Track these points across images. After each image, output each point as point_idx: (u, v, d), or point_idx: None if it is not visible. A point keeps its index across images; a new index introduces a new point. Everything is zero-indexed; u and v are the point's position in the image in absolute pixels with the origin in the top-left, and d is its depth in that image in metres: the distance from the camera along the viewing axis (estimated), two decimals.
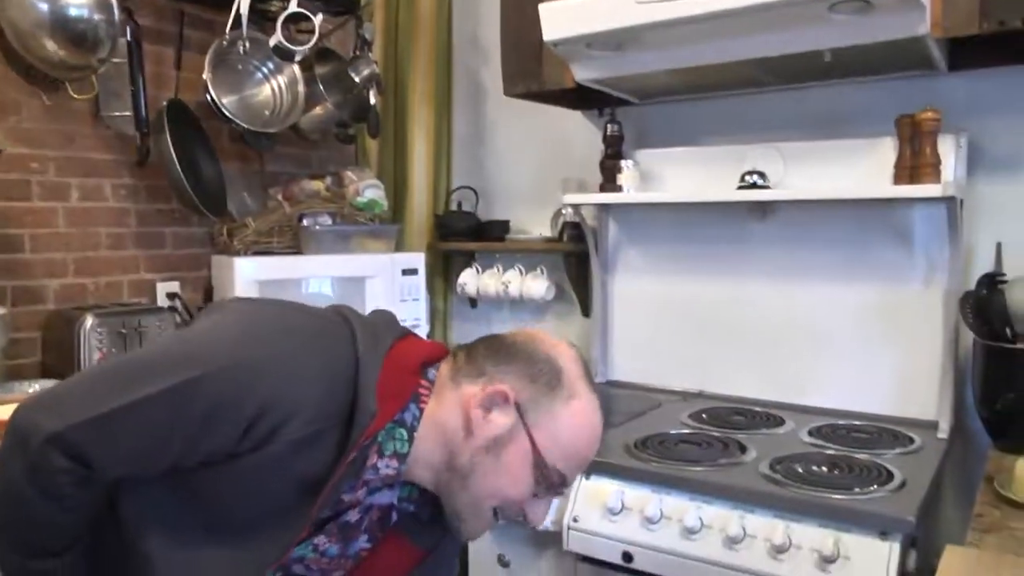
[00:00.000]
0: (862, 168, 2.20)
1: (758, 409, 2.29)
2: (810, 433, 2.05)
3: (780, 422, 2.17)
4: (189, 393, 1.00)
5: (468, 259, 3.04)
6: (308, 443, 1.03)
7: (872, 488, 1.65)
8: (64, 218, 2.57)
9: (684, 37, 2.02)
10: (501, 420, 1.10)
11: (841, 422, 2.15)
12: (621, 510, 1.83)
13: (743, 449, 1.92)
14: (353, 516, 1.15)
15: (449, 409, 1.12)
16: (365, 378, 1.06)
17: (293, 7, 2.64)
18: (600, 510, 1.85)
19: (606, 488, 1.87)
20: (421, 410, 1.13)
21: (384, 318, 1.19)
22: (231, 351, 1.04)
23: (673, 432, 2.07)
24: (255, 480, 1.04)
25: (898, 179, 2.09)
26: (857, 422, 2.15)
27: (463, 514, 1.14)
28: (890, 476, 1.71)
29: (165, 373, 1.01)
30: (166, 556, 1.07)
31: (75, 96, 2.48)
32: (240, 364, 1.02)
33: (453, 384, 1.14)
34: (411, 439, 1.11)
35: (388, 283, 2.76)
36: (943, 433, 2.04)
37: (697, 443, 1.97)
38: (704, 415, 2.24)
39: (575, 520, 1.88)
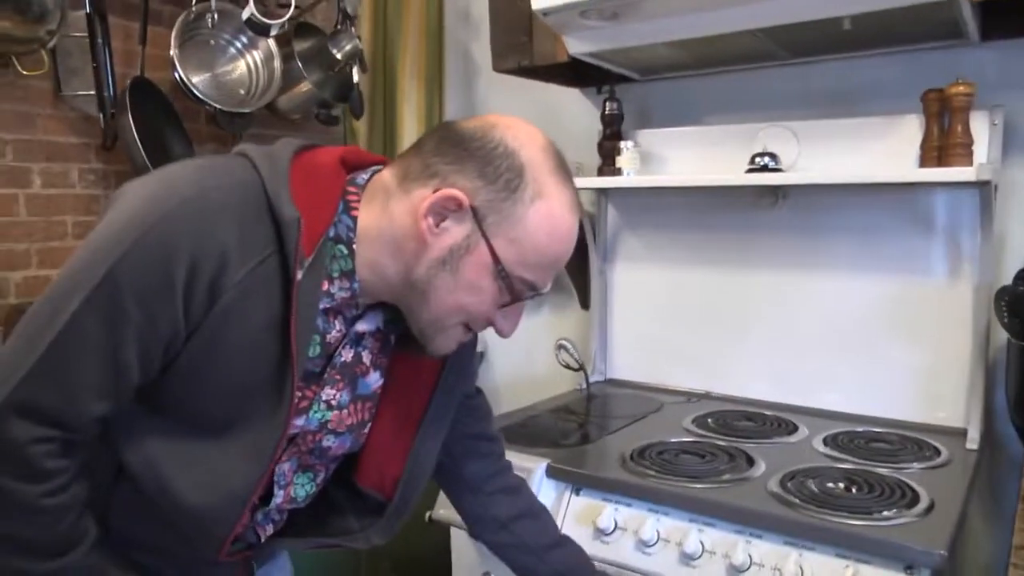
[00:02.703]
0: (884, 149, 2.00)
1: (769, 413, 2.10)
2: (825, 442, 1.86)
3: (793, 429, 1.98)
4: (110, 289, 0.90)
5: None
6: (254, 283, 0.95)
7: (895, 512, 1.46)
8: (25, 206, 2.42)
9: (685, 5, 1.83)
10: (455, 230, 0.99)
11: (859, 429, 1.96)
12: (614, 530, 1.65)
13: (751, 462, 1.73)
14: (347, 354, 1.09)
15: (400, 218, 1.01)
16: (274, 190, 0.97)
17: None
18: (591, 530, 1.67)
19: (598, 506, 1.69)
20: (354, 219, 1.03)
21: (280, 141, 1.07)
22: (132, 226, 0.92)
23: (674, 441, 1.88)
24: (226, 354, 0.96)
25: (925, 161, 1.89)
26: (877, 429, 1.96)
27: (427, 332, 1.06)
28: (916, 497, 1.52)
29: (79, 285, 0.91)
30: (177, 479, 1.01)
31: (24, 72, 2.30)
32: (147, 233, 0.91)
33: (402, 190, 1.02)
34: (352, 253, 1.03)
35: None
36: (972, 443, 1.85)
37: (700, 454, 1.78)
38: (710, 420, 2.05)
39: None
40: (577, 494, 1.74)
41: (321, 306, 1.03)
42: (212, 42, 2.58)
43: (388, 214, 1.02)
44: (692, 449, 1.81)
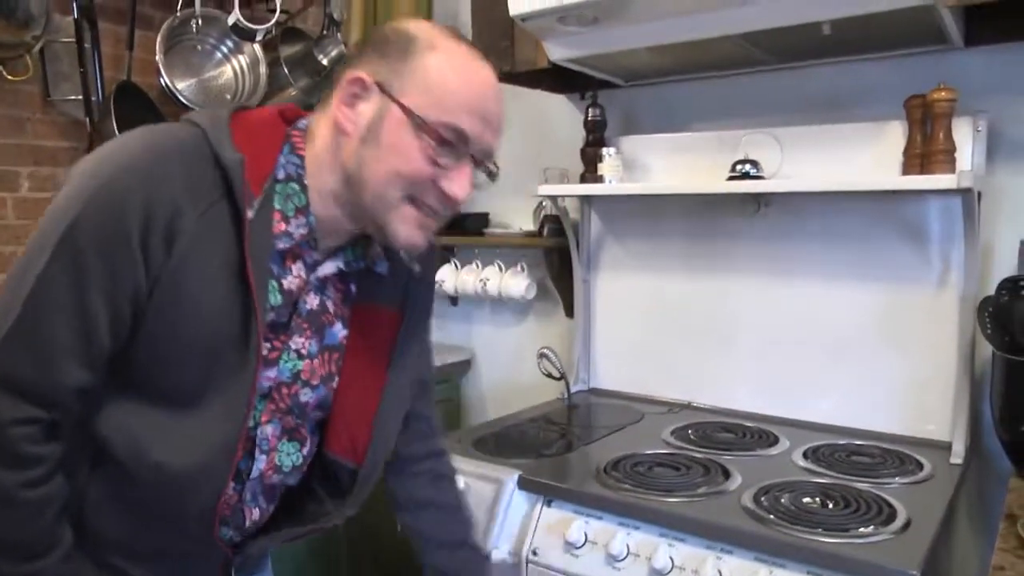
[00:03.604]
0: (867, 156, 1.97)
1: (750, 425, 2.06)
2: (805, 455, 1.82)
3: (774, 441, 1.94)
4: (70, 245, 0.94)
5: (447, 254, 2.83)
6: (206, 227, 0.98)
7: (870, 529, 1.42)
8: (13, 209, 2.43)
9: (665, 9, 1.81)
10: (368, 107, 1.03)
11: (841, 442, 1.92)
12: (584, 544, 1.61)
13: (727, 475, 1.70)
14: (312, 301, 1.11)
15: (326, 131, 1.07)
16: (216, 139, 1.01)
17: None
18: (561, 543, 1.64)
19: (568, 518, 1.65)
20: (301, 157, 1.08)
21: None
22: (86, 186, 0.96)
23: (650, 453, 1.84)
24: (189, 306, 0.98)
25: (908, 168, 1.86)
26: (859, 442, 1.91)
27: (381, 219, 1.05)
28: (893, 513, 1.48)
29: (43, 248, 0.95)
30: (158, 447, 1.02)
31: (10, 77, 2.31)
32: (100, 189, 0.95)
33: (323, 111, 1.08)
34: (304, 188, 1.07)
35: None
36: (957, 457, 1.80)
37: (675, 467, 1.74)
38: (690, 432, 2.01)
39: (534, 553, 1.67)
40: (548, 506, 1.70)
41: (279, 246, 1.06)
42: (199, 47, 2.57)
43: (321, 136, 1.07)
44: (668, 461, 1.78)
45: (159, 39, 2.45)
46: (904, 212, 1.98)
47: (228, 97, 2.61)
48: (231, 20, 2.45)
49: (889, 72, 2.03)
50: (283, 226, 1.06)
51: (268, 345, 1.07)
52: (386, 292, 1.21)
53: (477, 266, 2.70)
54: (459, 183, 1.04)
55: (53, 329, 0.95)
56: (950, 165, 1.78)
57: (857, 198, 2.01)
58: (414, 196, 1.04)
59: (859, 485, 1.63)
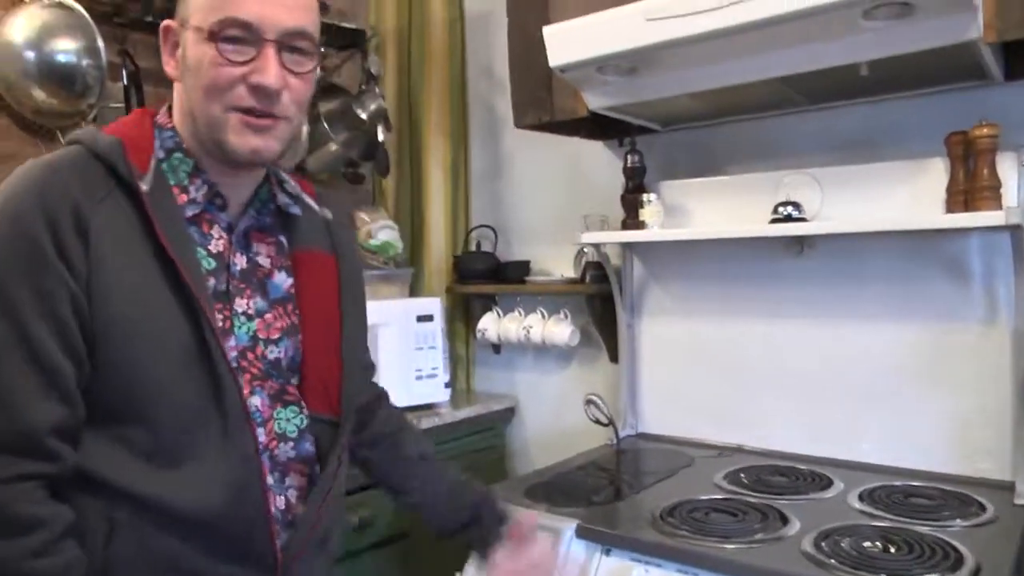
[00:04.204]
0: (909, 194, 1.96)
1: (802, 467, 2.04)
2: (860, 498, 1.80)
3: (827, 483, 1.92)
4: None
5: (489, 302, 2.85)
6: (110, 213, 1.02)
7: (937, 575, 1.40)
8: None
9: (702, 56, 1.82)
10: (180, 48, 1.10)
11: (897, 483, 1.89)
12: None
13: (784, 520, 1.68)
14: (240, 261, 1.15)
15: (174, 94, 1.15)
16: (91, 139, 1.07)
17: None
18: None
19: (627, 567, 1.64)
20: (172, 128, 1.13)
21: None
22: None
23: (705, 498, 1.83)
24: (129, 297, 1.01)
25: (951, 206, 1.85)
26: (916, 482, 1.89)
27: (217, 140, 1.09)
28: (960, 559, 1.45)
29: None
30: (176, 480, 1.03)
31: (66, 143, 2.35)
32: (2, 223, 1.00)
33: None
34: (186, 152, 1.13)
35: (402, 330, 2.57)
36: (1021, 498, 1.77)
37: (732, 512, 1.73)
38: (742, 475, 2.00)
39: None
40: (607, 555, 1.69)
41: (189, 214, 1.10)
42: None
43: (174, 100, 1.15)
44: (723, 507, 1.77)
45: None
46: (946, 249, 1.97)
47: None
48: None
49: (926, 109, 2.03)
50: (184, 196, 1.10)
51: (220, 316, 1.10)
52: (315, 237, 1.26)
53: (520, 314, 2.71)
54: (264, 71, 1.05)
55: (5, 376, 0.96)
56: (996, 201, 1.77)
57: (900, 236, 2.00)
58: (233, 104, 1.06)
59: (920, 528, 1.60)
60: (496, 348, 2.91)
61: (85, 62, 2.26)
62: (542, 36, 1.94)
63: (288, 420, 1.16)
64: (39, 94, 2.23)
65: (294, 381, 1.19)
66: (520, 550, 1.46)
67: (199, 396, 1.05)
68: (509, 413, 2.88)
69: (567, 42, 1.87)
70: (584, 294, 2.54)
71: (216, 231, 1.14)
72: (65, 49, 2.24)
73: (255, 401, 1.12)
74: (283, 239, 1.23)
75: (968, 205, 1.81)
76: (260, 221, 1.20)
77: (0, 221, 1.00)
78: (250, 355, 1.13)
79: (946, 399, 1.97)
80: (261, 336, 1.15)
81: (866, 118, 2.13)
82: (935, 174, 1.92)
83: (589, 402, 2.27)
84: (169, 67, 1.12)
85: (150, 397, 1.02)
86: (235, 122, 1.07)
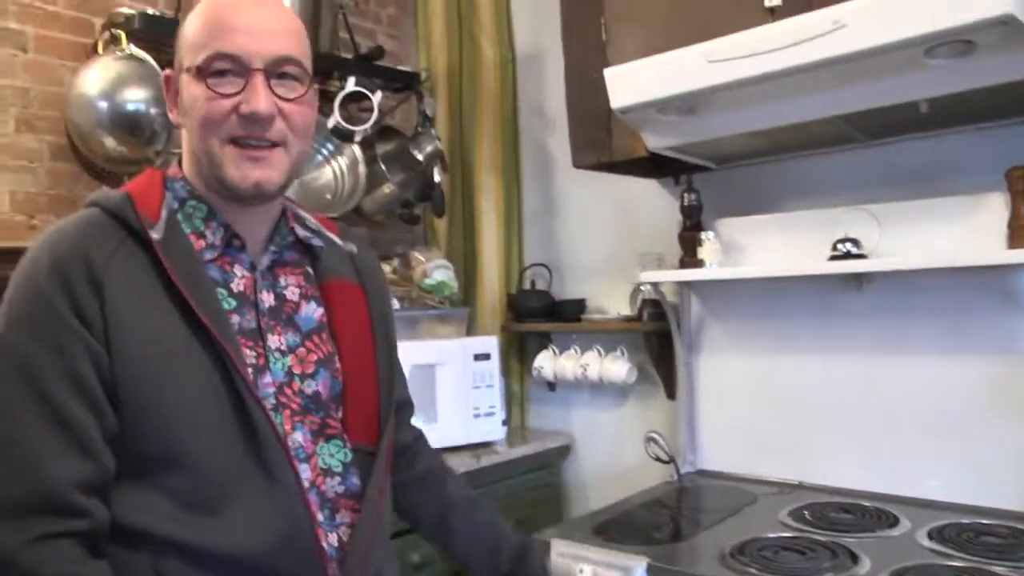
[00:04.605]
0: (968, 228, 1.96)
1: (867, 504, 2.03)
2: (930, 536, 1.78)
3: (894, 521, 1.90)
4: (8, 352, 0.99)
5: (544, 340, 2.87)
6: (124, 262, 1.03)
7: None
8: None
9: (762, 96, 1.84)
10: (179, 94, 1.12)
11: (965, 520, 1.87)
12: None
13: (855, 559, 1.67)
14: (267, 298, 1.15)
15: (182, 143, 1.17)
16: (104, 198, 1.09)
17: (351, 87, 2.57)
18: None
19: None
20: (183, 178, 1.14)
21: None
22: (7, 298, 1.03)
23: (773, 536, 1.82)
24: (152, 349, 1.01)
25: (1014, 241, 1.85)
26: (985, 520, 1.87)
27: (218, 176, 1.10)
28: None
29: None
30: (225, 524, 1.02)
31: None
32: (17, 289, 1.02)
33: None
34: (199, 198, 1.13)
35: (459, 370, 2.59)
36: None
37: (801, 551, 1.72)
38: (806, 513, 1.99)
39: None
40: None
41: (208, 257, 1.11)
42: None
43: (183, 149, 1.16)
44: (792, 545, 1.76)
45: None
46: (1008, 283, 1.96)
47: (328, 197, 2.72)
48: (331, 123, 2.57)
49: (984, 143, 2.03)
50: (202, 242, 1.11)
51: (252, 353, 1.10)
52: (342, 268, 1.27)
53: (576, 351, 2.73)
54: (253, 99, 1.06)
55: (23, 434, 0.96)
56: None
57: (958, 271, 2.00)
58: (228, 136, 1.08)
59: (996, 569, 1.58)
60: (551, 385, 2.92)
61: (153, 110, 2.32)
62: (600, 78, 1.98)
63: (332, 455, 1.15)
64: (110, 142, 2.30)
65: (336, 414, 1.19)
66: None
67: (235, 437, 1.04)
68: (565, 450, 2.88)
69: (629, 84, 1.91)
70: (641, 331, 2.56)
71: (238, 270, 1.14)
72: (135, 99, 2.30)
73: (297, 437, 1.12)
74: (310, 270, 1.24)
75: None
76: (282, 256, 1.20)
77: (17, 284, 1.03)
78: (288, 390, 1.13)
79: (1013, 434, 1.95)
80: (296, 371, 1.14)
81: (923, 153, 2.13)
82: (995, 208, 1.92)
83: (650, 439, 2.27)
84: (173, 114, 1.15)
85: (184, 442, 1.01)
86: (232, 155, 1.08)
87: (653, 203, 2.65)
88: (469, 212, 3.05)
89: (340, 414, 1.19)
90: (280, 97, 1.09)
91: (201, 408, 1.02)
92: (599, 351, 2.67)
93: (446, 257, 2.96)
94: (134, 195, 1.09)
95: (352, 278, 1.27)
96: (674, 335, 2.44)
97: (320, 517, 1.11)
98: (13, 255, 2.15)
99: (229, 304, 1.11)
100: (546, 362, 2.78)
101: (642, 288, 2.56)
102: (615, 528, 1.94)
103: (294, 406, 1.13)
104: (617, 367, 2.60)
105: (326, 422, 1.16)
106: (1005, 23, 1.48)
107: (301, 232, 1.23)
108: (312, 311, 1.20)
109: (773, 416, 2.32)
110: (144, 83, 2.31)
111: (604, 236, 2.82)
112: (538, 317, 2.82)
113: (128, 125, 2.30)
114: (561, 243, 2.97)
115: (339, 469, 1.15)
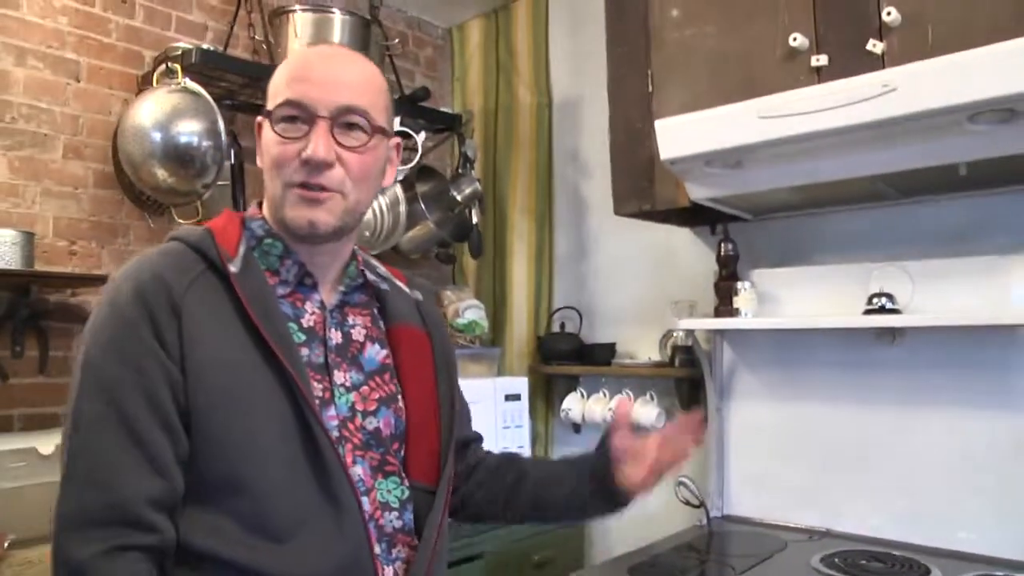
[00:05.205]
0: (998, 288, 2.02)
1: (897, 554, 2.06)
2: None
3: (925, 572, 1.94)
4: (91, 372, 1.04)
5: (572, 383, 2.92)
6: (201, 291, 1.08)
7: None
8: None
9: (807, 152, 1.91)
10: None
11: (999, 573, 1.91)
12: None
13: None
14: (335, 336, 1.19)
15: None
16: (187, 233, 1.16)
17: (397, 126, 2.63)
18: None
19: None
20: (262, 218, 1.19)
21: None
22: (91, 322, 1.08)
23: None
24: (225, 377, 1.05)
25: None
26: (1019, 574, 1.91)
27: (278, 203, 1.15)
28: None
29: (73, 384, 1.05)
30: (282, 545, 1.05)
31: (180, 221, 2.49)
32: (99, 314, 1.07)
33: None
34: (276, 236, 1.18)
35: (490, 409, 2.64)
36: None
37: None
38: (837, 560, 2.02)
39: None
40: None
41: (281, 292, 1.16)
42: None
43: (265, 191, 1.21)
44: None
45: None
46: None
47: (367, 234, 2.77)
48: None
49: (1014, 205, 2.10)
50: (275, 279, 1.17)
51: (319, 386, 1.14)
52: (408, 314, 1.31)
53: (604, 395, 2.78)
54: (313, 145, 1.11)
55: (102, 451, 1.00)
56: None
57: (990, 329, 2.05)
58: (289, 180, 1.13)
59: None
60: (576, 427, 2.96)
61: (205, 143, 2.38)
62: (644, 128, 2.05)
63: (390, 491, 1.18)
64: (161, 173, 2.35)
65: (395, 451, 1.21)
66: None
67: (302, 465, 1.07)
68: None
69: (680, 136, 1.98)
70: (672, 377, 2.60)
71: (309, 307, 1.19)
72: (188, 131, 2.36)
73: (357, 470, 1.14)
74: (376, 313, 1.28)
75: None
76: (351, 297, 1.25)
77: (102, 310, 1.07)
78: (350, 425, 1.16)
79: None
80: (359, 408, 1.18)
81: (955, 213, 2.20)
82: None
83: (680, 484, 2.31)
84: (259, 159, 1.20)
85: (252, 468, 1.05)
86: (292, 197, 1.13)
87: (686, 251, 2.71)
88: (500, 253, 3.11)
89: (401, 452, 1.22)
90: (342, 145, 1.14)
91: (270, 435, 1.06)
92: (628, 395, 2.71)
93: (475, 297, 3.02)
94: (215, 231, 1.15)
95: (418, 324, 1.31)
96: (707, 381, 2.49)
97: (377, 550, 1.13)
98: (53, 280, 2.24)
99: (299, 338, 1.15)
100: (574, 404, 2.83)
101: (675, 334, 2.61)
102: (651, 571, 1.98)
103: (356, 441, 1.16)
104: (647, 411, 2.64)
105: (385, 459, 1.19)
106: None
107: (370, 276, 1.29)
108: (376, 353, 1.24)
109: (802, 464, 2.36)
110: (198, 116, 2.37)
111: (635, 282, 2.88)
112: (566, 360, 2.86)
113: (180, 157, 2.35)
114: (591, 287, 3.03)
115: (396, 505, 1.18)
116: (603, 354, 2.81)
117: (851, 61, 1.90)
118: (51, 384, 2.31)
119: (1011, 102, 1.61)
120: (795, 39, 1.98)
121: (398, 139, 1.26)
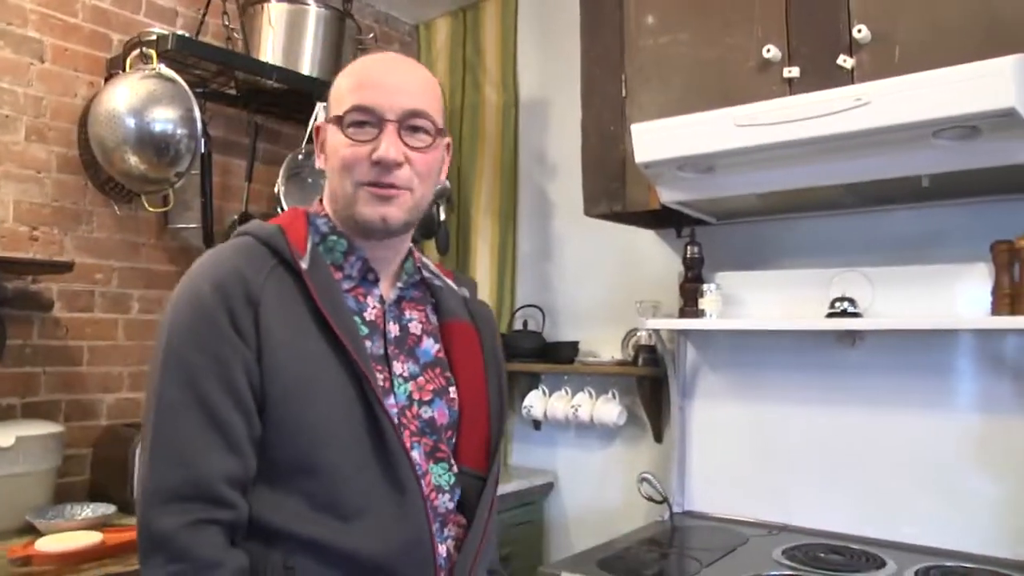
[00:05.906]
0: (955, 294, 2.12)
1: (855, 547, 2.14)
2: None
3: (881, 563, 2.02)
4: (173, 356, 1.10)
5: (534, 380, 2.96)
6: (275, 285, 1.15)
7: None
8: (124, 330, 2.54)
9: (779, 160, 1.98)
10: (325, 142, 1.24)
11: (949, 563, 2.00)
12: None
13: None
14: (394, 329, 1.26)
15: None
16: (257, 228, 1.22)
17: None
18: None
19: None
20: (326, 215, 1.26)
21: None
22: (172, 308, 1.14)
23: (774, 574, 1.93)
24: (297, 364, 1.12)
25: (998, 308, 2.00)
26: (967, 564, 2.00)
27: (352, 215, 1.21)
28: None
29: (154, 366, 1.12)
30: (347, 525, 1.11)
31: (149, 208, 2.46)
32: (180, 301, 1.13)
33: None
34: (340, 234, 1.24)
35: None
36: None
37: None
38: (798, 553, 2.09)
39: None
40: None
41: (345, 287, 1.23)
42: (311, 180, 2.74)
43: (326, 191, 1.28)
44: None
45: (281, 171, 2.64)
46: (993, 347, 2.12)
47: None
48: None
49: (975, 217, 2.18)
50: (339, 274, 1.23)
51: (381, 376, 1.21)
52: (458, 310, 1.37)
53: (567, 392, 2.82)
54: (383, 147, 1.17)
55: (182, 432, 1.08)
56: None
57: (946, 333, 2.15)
58: (361, 179, 1.19)
59: None
60: (537, 424, 3.00)
61: (180, 131, 2.35)
62: (617, 131, 2.10)
63: (440, 476, 1.26)
64: (133, 159, 2.31)
65: (448, 439, 1.29)
66: None
67: (367, 449, 1.14)
68: (548, 488, 2.96)
69: (655, 140, 2.03)
70: (635, 376, 2.66)
71: (371, 301, 1.26)
72: (163, 118, 2.33)
73: (415, 455, 1.21)
74: (430, 308, 1.35)
75: (1014, 308, 1.96)
76: (408, 293, 1.32)
77: (180, 300, 1.14)
78: (408, 413, 1.23)
79: (995, 487, 2.09)
80: (415, 397, 1.25)
81: (913, 222, 2.29)
82: (979, 277, 2.08)
83: (643, 480, 2.37)
84: (319, 160, 1.27)
85: (321, 451, 1.12)
86: (364, 195, 1.19)
87: (650, 253, 2.77)
88: (463, 251, 3.13)
89: (452, 440, 1.30)
90: (409, 146, 1.20)
91: (338, 420, 1.13)
92: (590, 393, 2.76)
93: None
94: (285, 228, 1.21)
95: (467, 319, 1.38)
96: (670, 380, 2.55)
97: (434, 528, 1.20)
98: (13, 266, 2.20)
99: (363, 331, 1.22)
100: (535, 401, 2.87)
101: (638, 334, 2.66)
102: (619, 564, 2.02)
103: (412, 428, 1.23)
104: (608, 409, 2.69)
105: (437, 446, 1.26)
106: (1007, 115, 1.66)
107: (426, 272, 1.35)
108: (431, 347, 1.31)
109: (761, 461, 2.44)
110: (174, 103, 2.34)
111: (598, 282, 2.93)
112: (529, 357, 2.90)
113: (154, 144, 2.32)
114: (555, 286, 3.07)
115: (447, 488, 1.25)
116: (566, 352, 2.85)
117: (822, 74, 1.98)
118: (9, 374, 2.26)
119: (975, 120, 1.70)
120: (768, 50, 2.05)
121: (449, 138, 1.32)
